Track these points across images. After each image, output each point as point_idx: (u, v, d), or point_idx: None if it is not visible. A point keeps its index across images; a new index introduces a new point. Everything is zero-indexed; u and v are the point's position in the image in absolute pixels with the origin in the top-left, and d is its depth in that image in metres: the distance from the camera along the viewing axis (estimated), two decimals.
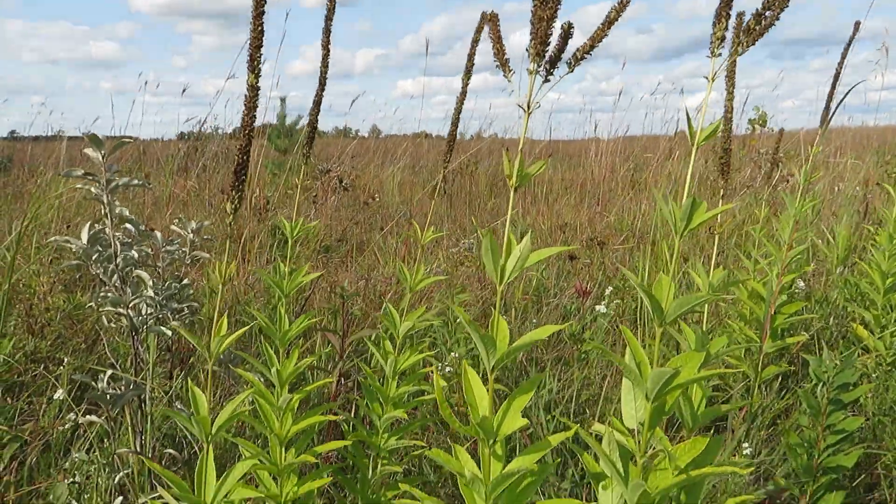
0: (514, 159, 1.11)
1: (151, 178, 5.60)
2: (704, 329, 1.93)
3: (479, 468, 1.32)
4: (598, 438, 1.42)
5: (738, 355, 3.25)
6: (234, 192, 1.32)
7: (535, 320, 3.30)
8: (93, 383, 1.94)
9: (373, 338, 2.07)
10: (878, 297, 3.30)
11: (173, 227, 2.28)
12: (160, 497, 2.03)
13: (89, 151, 1.85)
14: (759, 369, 3.05)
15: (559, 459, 2.62)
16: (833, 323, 3.72)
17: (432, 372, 2.37)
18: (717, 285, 1.84)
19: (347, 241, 4.89)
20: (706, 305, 3.88)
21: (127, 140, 1.90)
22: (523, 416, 1.38)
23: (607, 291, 3.01)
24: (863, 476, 2.73)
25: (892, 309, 3.16)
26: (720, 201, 1.81)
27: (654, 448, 1.43)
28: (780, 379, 3.20)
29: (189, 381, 1.35)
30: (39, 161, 5.97)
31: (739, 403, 1.59)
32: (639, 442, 1.39)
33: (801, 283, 3.83)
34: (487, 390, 1.31)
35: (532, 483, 1.36)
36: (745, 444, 2.64)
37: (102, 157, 1.86)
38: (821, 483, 2.40)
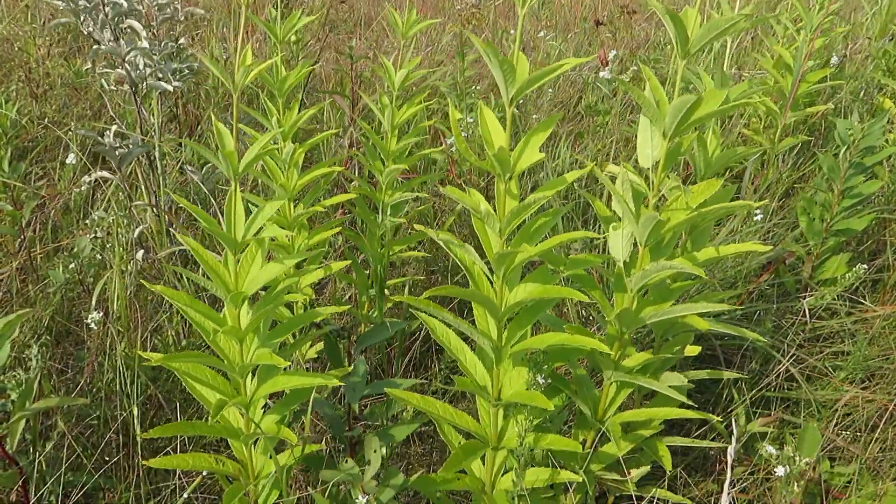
0: None
1: None
2: None
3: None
4: (613, 179, 1.40)
5: (755, 128, 3.17)
6: None
7: (550, 90, 3.18)
8: (99, 139, 1.91)
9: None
10: None
11: None
12: (181, 246, 2.09)
13: None
14: (777, 141, 2.98)
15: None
16: (861, 97, 3.58)
17: (434, 125, 2.32)
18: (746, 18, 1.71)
19: (354, 13, 4.63)
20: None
21: None
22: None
23: (611, 55, 2.86)
24: (869, 243, 2.77)
25: None
26: None
27: (665, 192, 1.42)
28: (797, 150, 3.15)
29: (214, 119, 1.31)
30: None
31: (754, 150, 1.54)
32: (652, 182, 1.37)
33: (835, 59, 3.62)
34: (504, 127, 1.27)
35: (547, 223, 1.36)
36: (757, 212, 2.65)
37: None
38: (828, 246, 2.44)
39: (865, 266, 2.23)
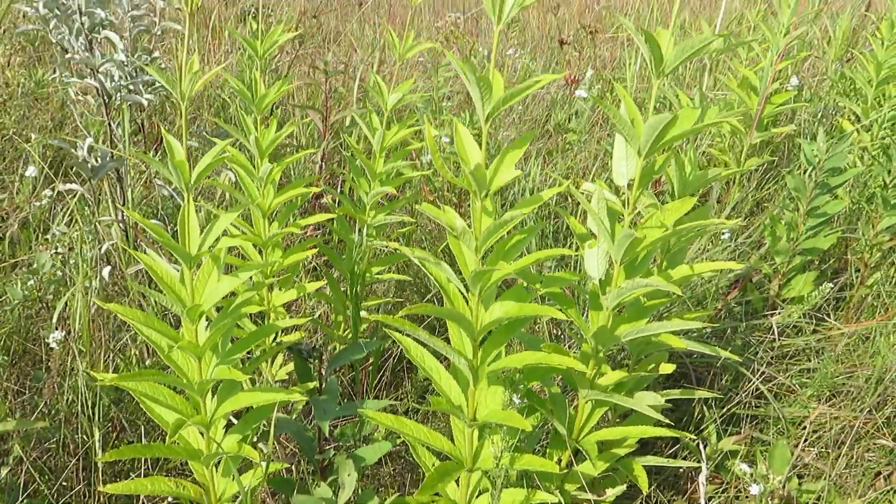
0: None
1: None
2: None
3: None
4: (588, 198, 1.40)
5: (721, 147, 3.22)
6: None
7: (520, 107, 3.20)
8: (72, 151, 1.86)
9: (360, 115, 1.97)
10: (870, 90, 3.22)
11: None
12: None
13: None
14: (743, 160, 3.03)
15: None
16: (821, 117, 3.67)
17: (420, 148, 2.32)
18: (719, 44, 1.74)
19: (323, 28, 4.62)
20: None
21: None
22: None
23: (588, 74, 2.89)
24: (832, 261, 2.83)
25: (885, 99, 3.09)
26: None
27: (641, 209, 1.42)
28: (760, 171, 3.21)
29: (163, 130, 1.28)
30: None
31: (730, 171, 1.56)
32: (627, 200, 1.38)
33: (795, 80, 3.71)
34: (480, 145, 1.26)
35: (522, 241, 1.35)
36: (724, 231, 2.69)
37: None
38: (794, 265, 2.48)
39: (831, 285, 2.27)
